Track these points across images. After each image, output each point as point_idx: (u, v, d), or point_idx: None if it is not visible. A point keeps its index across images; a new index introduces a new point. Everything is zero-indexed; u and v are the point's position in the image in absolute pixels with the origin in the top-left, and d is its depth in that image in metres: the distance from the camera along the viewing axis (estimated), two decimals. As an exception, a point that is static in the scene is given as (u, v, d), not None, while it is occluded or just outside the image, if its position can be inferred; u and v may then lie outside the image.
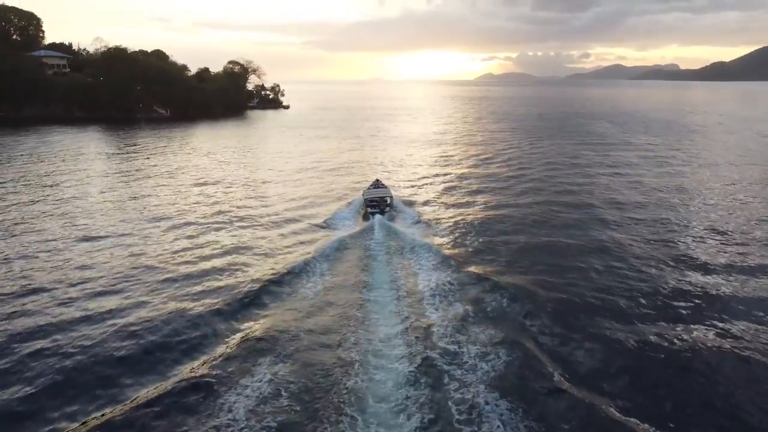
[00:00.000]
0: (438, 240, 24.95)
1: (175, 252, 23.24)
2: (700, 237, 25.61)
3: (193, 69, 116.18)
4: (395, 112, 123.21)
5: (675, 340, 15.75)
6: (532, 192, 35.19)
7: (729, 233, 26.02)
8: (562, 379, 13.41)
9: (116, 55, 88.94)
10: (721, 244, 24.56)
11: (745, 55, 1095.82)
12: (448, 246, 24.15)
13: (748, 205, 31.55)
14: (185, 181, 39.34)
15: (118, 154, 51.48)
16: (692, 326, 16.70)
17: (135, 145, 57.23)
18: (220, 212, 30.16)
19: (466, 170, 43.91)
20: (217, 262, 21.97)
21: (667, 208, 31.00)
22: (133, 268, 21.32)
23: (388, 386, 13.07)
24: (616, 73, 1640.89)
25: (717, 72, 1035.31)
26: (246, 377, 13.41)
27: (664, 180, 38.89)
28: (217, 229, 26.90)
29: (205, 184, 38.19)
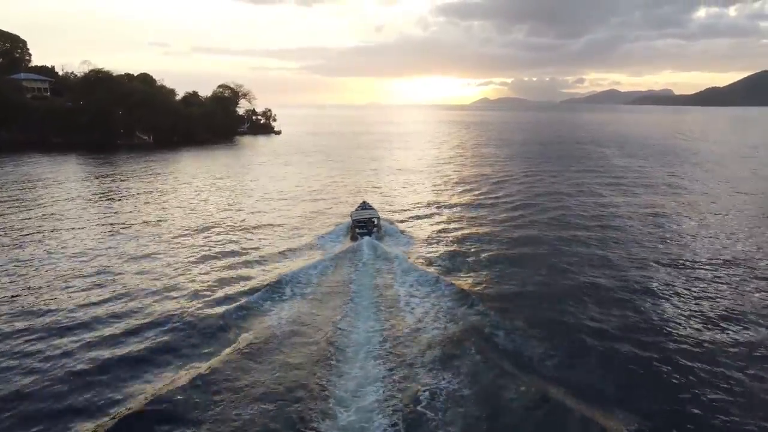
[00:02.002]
0: (424, 260, 25.33)
1: (156, 273, 23.46)
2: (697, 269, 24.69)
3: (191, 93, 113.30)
4: (389, 138, 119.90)
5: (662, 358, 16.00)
6: (523, 218, 34.62)
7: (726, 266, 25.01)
8: (544, 389, 13.69)
9: (97, 79, 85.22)
10: (717, 275, 23.77)
11: (739, 81, 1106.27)
12: (435, 266, 24.52)
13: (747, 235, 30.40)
14: (160, 207, 37.76)
15: (81, 181, 47.18)
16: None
17: (104, 175, 53.01)
18: (204, 234, 30.31)
19: (455, 195, 43.35)
20: (203, 282, 22.24)
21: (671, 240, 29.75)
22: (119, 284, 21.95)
23: (361, 395, 13.53)
24: (611, 98, 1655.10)
25: (712, 97, 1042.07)
26: (223, 393, 13.64)
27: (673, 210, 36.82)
28: (200, 252, 26.82)
29: (183, 212, 36.66)
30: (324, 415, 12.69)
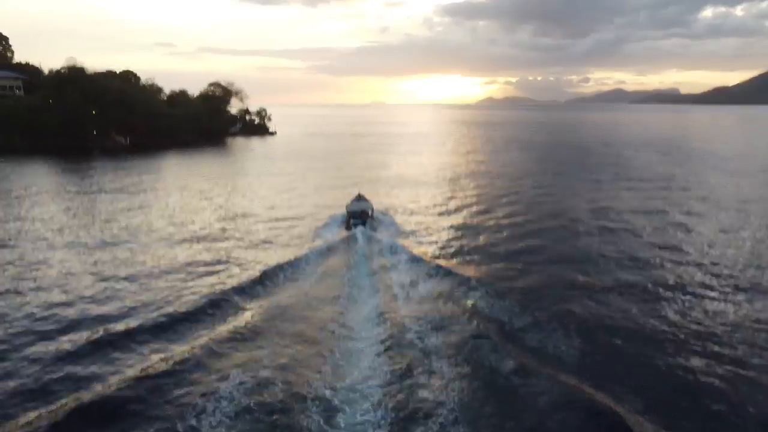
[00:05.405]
0: (418, 248, 25.45)
1: (143, 265, 23.03)
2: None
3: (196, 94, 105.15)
4: (392, 139, 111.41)
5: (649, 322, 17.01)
6: (527, 216, 33.58)
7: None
8: (536, 365, 13.64)
9: (68, 76, 76.80)
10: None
11: (748, 80, 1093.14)
12: (429, 254, 24.63)
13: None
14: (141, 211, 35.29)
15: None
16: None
17: (59, 181, 44.37)
18: (191, 230, 29.79)
19: (455, 193, 42.78)
20: (194, 269, 22.28)
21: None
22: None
23: (362, 368, 13.67)
24: (617, 97, 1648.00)
25: (720, 96, 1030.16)
26: (227, 364, 13.73)
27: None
28: (193, 245, 26.48)
29: (163, 214, 34.67)
30: (321, 394, 12.42)
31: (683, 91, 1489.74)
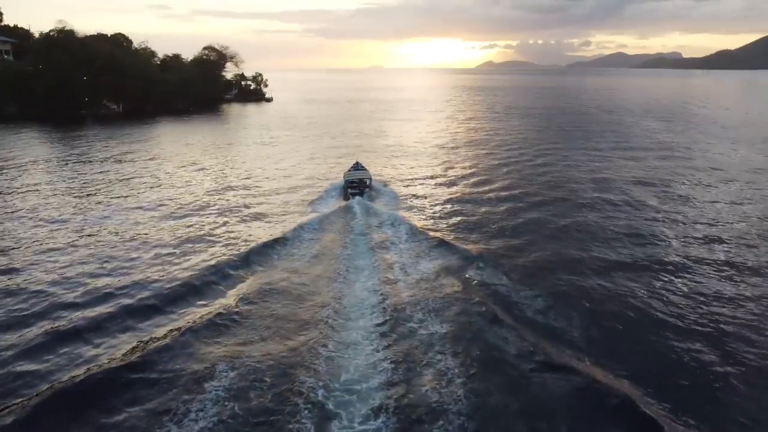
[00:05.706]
0: (416, 220, 25.27)
1: (149, 236, 22.94)
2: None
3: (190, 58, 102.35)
4: (391, 106, 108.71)
5: (657, 300, 16.49)
6: (531, 187, 32.76)
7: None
8: (549, 356, 12.82)
9: (57, 40, 74.51)
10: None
11: (751, 43, 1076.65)
12: (429, 226, 24.42)
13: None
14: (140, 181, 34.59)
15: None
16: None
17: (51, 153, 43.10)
18: (185, 202, 29.16)
19: (457, 164, 41.28)
20: (187, 245, 21.80)
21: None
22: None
23: (359, 364, 12.73)
24: (618, 61, 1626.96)
25: (723, 60, 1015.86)
26: (217, 346, 13.42)
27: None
28: (182, 222, 25.50)
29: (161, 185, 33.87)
30: (313, 396, 11.38)
31: (686, 54, 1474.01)
